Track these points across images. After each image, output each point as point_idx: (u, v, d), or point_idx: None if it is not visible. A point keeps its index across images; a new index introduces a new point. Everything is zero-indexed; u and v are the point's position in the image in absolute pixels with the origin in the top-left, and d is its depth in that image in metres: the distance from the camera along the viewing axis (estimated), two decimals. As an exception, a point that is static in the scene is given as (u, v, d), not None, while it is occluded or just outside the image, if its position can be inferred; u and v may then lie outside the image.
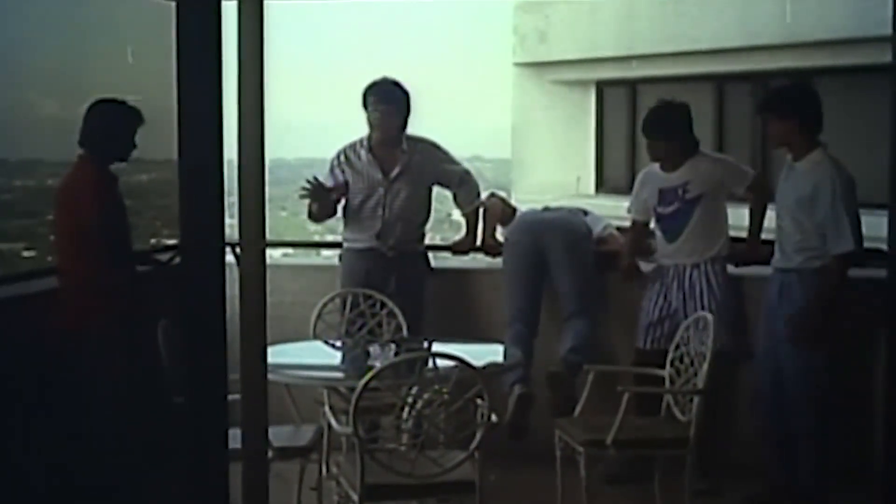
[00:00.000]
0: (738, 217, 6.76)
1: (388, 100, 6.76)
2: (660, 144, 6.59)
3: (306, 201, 6.75)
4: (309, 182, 6.66)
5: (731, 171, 6.68)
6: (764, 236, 6.67)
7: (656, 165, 6.69)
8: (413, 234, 6.90)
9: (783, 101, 6.18)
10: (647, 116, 6.70)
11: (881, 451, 5.89)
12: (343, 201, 6.86)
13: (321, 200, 6.76)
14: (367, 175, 6.79)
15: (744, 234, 6.74)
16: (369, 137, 6.85)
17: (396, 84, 6.79)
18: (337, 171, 6.85)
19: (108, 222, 5.72)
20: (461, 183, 7.01)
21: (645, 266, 6.84)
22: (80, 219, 5.65)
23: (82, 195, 5.68)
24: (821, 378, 6.00)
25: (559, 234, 6.85)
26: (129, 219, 5.93)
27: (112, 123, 5.77)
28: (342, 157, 6.88)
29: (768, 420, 6.22)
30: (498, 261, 7.14)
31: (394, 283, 6.73)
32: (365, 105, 6.80)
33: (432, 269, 7.11)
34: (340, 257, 7.02)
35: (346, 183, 6.82)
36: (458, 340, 5.76)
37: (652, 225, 6.76)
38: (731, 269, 6.67)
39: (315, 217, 6.87)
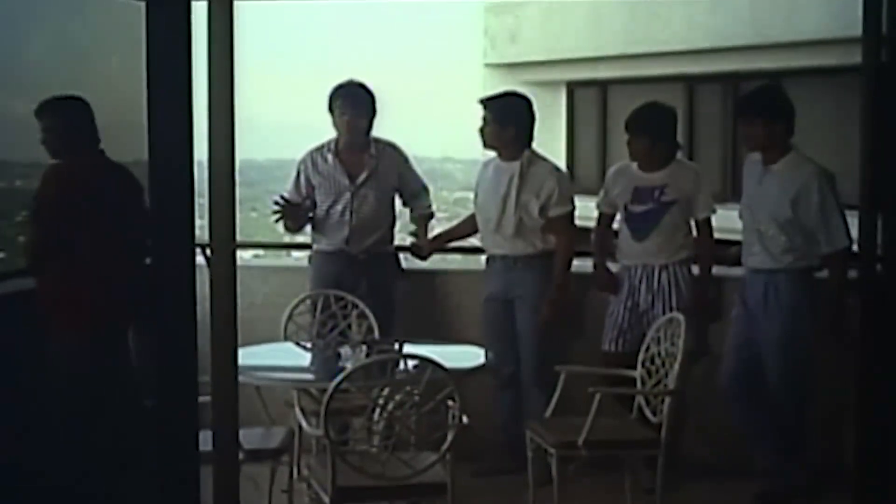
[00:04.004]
0: (721, 218, 6.76)
1: (354, 104, 6.73)
2: (643, 144, 6.54)
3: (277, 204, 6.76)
4: (278, 203, 6.67)
5: (702, 193, 6.60)
6: (730, 237, 6.69)
7: (633, 163, 6.68)
8: (382, 237, 6.87)
9: (761, 105, 6.21)
10: (634, 114, 6.62)
11: (853, 451, 5.93)
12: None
13: (293, 216, 6.75)
14: (334, 180, 6.76)
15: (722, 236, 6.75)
16: (336, 141, 6.82)
17: (362, 87, 6.77)
18: (303, 176, 6.82)
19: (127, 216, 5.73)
20: (416, 197, 7.01)
21: (611, 267, 6.83)
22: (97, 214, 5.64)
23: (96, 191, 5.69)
24: (807, 376, 6.10)
25: None
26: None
27: (78, 116, 5.76)
28: (309, 162, 6.84)
29: (747, 417, 6.26)
30: (468, 262, 7.16)
31: (364, 284, 6.71)
32: (331, 109, 6.78)
33: (403, 270, 7.11)
34: (310, 259, 7.00)
35: (313, 188, 6.80)
36: (430, 342, 5.76)
37: (616, 223, 6.75)
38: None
39: (290, 229, 6.86)
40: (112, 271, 5.73)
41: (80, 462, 5.49)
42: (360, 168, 6.77)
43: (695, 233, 6.62)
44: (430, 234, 7.12)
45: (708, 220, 6.59)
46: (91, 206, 5.71)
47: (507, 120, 6.63)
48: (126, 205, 5.75)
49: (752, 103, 6.31)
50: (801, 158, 6.13)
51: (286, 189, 6.85)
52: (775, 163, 6.13)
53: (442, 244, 7.18)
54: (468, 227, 7.00)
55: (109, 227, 5.72)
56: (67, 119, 5.74)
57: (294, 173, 6.86)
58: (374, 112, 6.80)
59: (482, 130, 6.69)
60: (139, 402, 4.89)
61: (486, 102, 6.71)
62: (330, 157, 6.80)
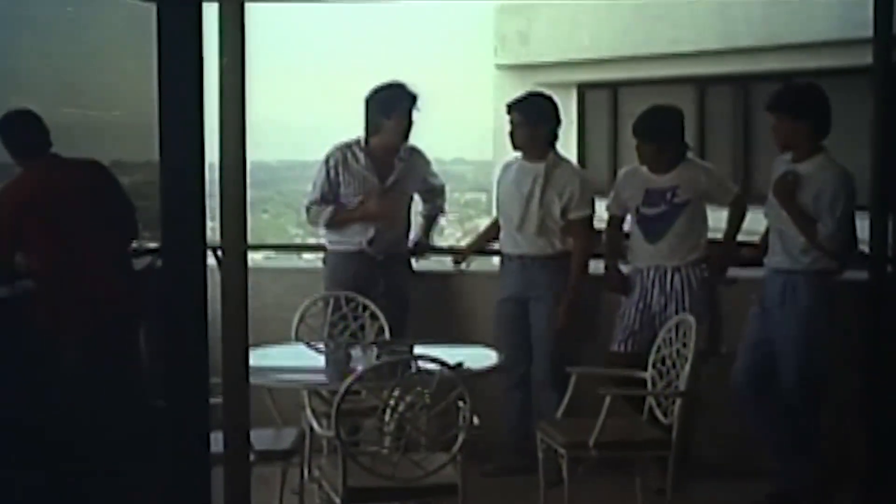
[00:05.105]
0: (718, 220, 6.74)
1: (411, 107, 6.72)
2: (651, 148, 6.55)
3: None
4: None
5: (718, 184, 6.64)
6: (743, 237, 6.69)
7: (643, 165, 6.67)
8: (400, 238, 6.92)
9: (799, 102, 6.15)
10: (639, 119, 6.62)
11: (863, 450, 5.94)
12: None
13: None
14: (363, 179, 6.74)
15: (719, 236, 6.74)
16: (367, 141, 6.79)
17: (409, 89, 6.75)
18: (333, 171, 6.76)
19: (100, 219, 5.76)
20: (437, 196, 7.11)
21: (622, 268, 6.83)
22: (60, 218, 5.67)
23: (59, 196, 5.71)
24: (822, 377, 6.09)
25: None
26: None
27: (23, 127, 5.81)
28: (340, 157, 6.77)
29: (759, 416, 6.25)
30: (481, 264, 7.19)
31: (382, 285, 6.71)
32: (381, 109, 6.71)
33: (414, 272, 7.12)
34: (324, 260, 6.99)
35: (339, 184, 6.78)
36: (441, 343, 5.76)
37: (627, 225, 6.75)
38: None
39: (332, 225, 6.85)
40: (101, 262, 5.77)
41: (90, 463, 5.51)
42: (391, 170, 6.77)
43: (724, 223, 6.62)
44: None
45: (737, 201, 6.62)
46: (66, 206, 5.76)
47: (538, 121, 6.69)
48: (99, 195, 5.82)
49: (780, 99, 6.19)
50: (828, 161, 6.05)
51: (314, 186, 6.80)
52: (801, 162, 6.09)
53: (478, 248, 7.32)
54: (493, 231, 7.05)
55: (91, 220, 5.77)
56: (14, 133, 5.78)
57: (323, 169, 6.78)
58: None
59: (512, 134, 6.72)
60: (146, 403, 4.90)
61: (515, 105, 6.76)
62: (361, 155, 6.76)
